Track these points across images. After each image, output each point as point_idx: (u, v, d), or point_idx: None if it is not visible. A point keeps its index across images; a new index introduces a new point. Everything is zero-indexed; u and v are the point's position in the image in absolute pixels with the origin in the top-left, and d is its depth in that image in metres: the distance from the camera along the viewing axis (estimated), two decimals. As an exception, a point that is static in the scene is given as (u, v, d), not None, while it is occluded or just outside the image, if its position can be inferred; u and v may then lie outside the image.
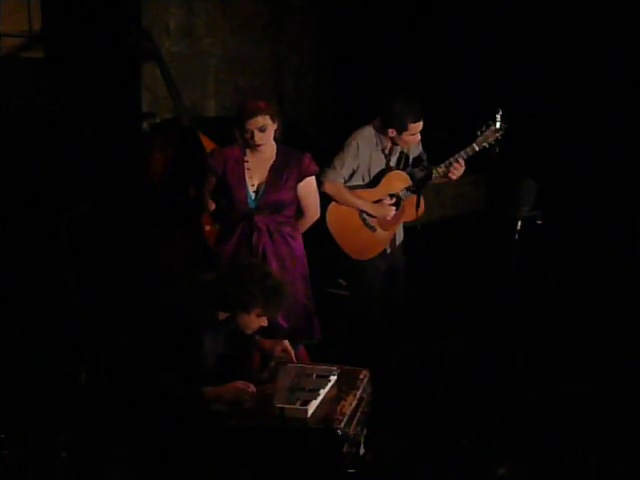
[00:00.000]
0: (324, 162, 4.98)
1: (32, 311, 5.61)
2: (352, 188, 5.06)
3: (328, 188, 5.00)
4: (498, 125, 4.97)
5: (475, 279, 6.29)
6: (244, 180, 4.57)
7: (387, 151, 5.08)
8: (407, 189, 5.08)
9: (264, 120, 4.47)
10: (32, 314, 5.60)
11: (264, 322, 3.86)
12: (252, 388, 3.80)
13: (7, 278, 5.64)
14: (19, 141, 5.93)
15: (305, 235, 4.83)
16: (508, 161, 5.10)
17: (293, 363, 4.15)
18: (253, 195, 4.59)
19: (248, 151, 4.59)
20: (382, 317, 5.17)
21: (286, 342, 4.17)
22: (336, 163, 5.01)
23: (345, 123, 6.50)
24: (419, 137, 5.02)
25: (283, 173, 4.60)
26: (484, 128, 5.00)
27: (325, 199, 5.02)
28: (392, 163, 5.13)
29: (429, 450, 4.59)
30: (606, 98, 6.43)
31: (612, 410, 4.89)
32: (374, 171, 5.08)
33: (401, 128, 4.95)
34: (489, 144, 5.00)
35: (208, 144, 5.60)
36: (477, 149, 5.00)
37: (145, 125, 6.21)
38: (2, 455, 4.49)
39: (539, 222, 5.13)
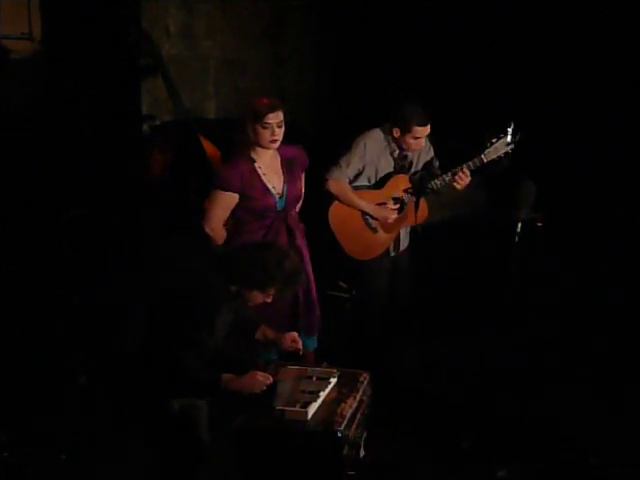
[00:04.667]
0: (327, 162, 5.00)
1: (32, 311, 5.61)
2: (357, 188, 5.07)
3: (332, 186, 5.02)
4: (509, 138, 4.96)
5: (475, 281, 6.29)
6: (267, 187, 4.56)
7: (396, 155, 5.09)
8: (405, 191, 5.09)
9: (281, 115, 4.47)
10: (32, 314, 5.60)
11: (269, 299, 3.87)
12: (270, 380, 3.79)
13: (7, 278, 5.64)
14: (19, 142, 5.92)
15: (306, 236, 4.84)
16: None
17: (300, 352, 4.15)
18: (277, 197, 4.59)
19: (254, 155, 4.56)
20: (385, 318, 5.18)
21: (294, 333, 4.15)
22: (342, 162, 5.03)
23: (345, 125, 6.51)
24: (423, 143, 5.02)
25: (294, 168, 4.63)
26: (495, 140, 4.99)
27: (328, 197, 5.04)
28: (401, 168, 5.14)
29: (429, 452, 4.61)
30: (606, 99, 6.43)
31: (612, 410, 4.90)
32: (381, 174, 5.09)
33: (405, 129, 4.96)
34: (498, 157, 4.99)
35: (208, 146, 5.61)
36: (485, 160, 5.00)
37: (145, 127, 6.20)
38: (2, 457, 4.50)
39: (539, 224, 5.14)
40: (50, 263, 5.61)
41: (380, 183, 5.10)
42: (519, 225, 5.09)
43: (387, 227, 5.14)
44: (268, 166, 4.58)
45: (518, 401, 4.93)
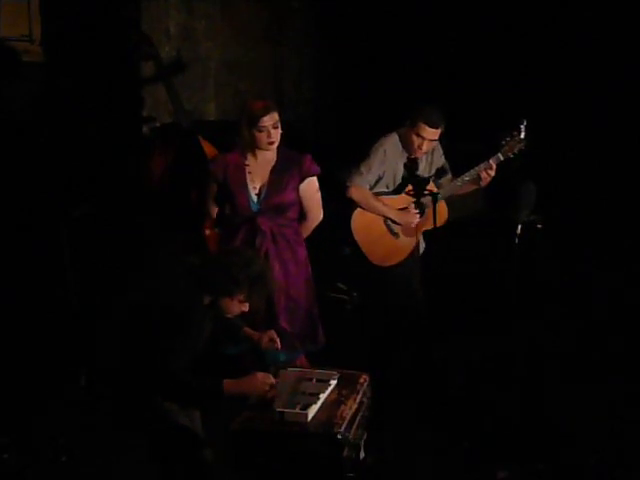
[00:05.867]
0: (329, 164, 5.01)
1: (32, 312, 5.61)
2: (377, 194, 5.09)
3: (354, 193, 5.04)
4: (522, 136, 4.99)
5: (475, 283, 6.29)
6: (245, 184, 4.57)
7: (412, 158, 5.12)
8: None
9: (276, 116, 4.47)
10: (32, 315, 5.60)
11: (245, 307, 3.86)
12: (271, 379, 3.79)
13: (7, 279, 5.64)
14: (20, 144, 5.93)
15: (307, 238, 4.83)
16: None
17: (278, 350, 4.14)
18: (255, 198, 4.59)
19: (249, 155, 4.59)
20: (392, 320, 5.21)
21: (272, 332, 4.14)
22: (362, 168, 5.04)
23: (346, 127, 6.52)
24: (424, 148, 5.02)
25: (284, 174, 4.60)
26: (508, 138, 5.01)
27: (349, 205, 5.06)
28: (417, 171, 5.16)
29: (429, 452, 4.61)
30: (606, 101, 6.44)
31: (613, 411, 4.90)
32: (399, 178, 5.11)
33: (412, 122, 4.98)
34: (513, 154, 5.02)
35: (208, 148, 5.61)
36: (502, 159, 5.03)
37: (145, 129, 6.21)
38: (2, 459, 4.50)
39: (539, 226, 5.15)
40: (50, 264, 5.61)
41: (399, 188, 5.12)
42: (519, 227, 5.10)
43: (408, 232, 5.15)
44: (258, 167, 4.59)
45: (518, 401, 4.94)
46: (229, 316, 3.91)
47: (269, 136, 4.47)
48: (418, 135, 4.98)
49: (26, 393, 5.09)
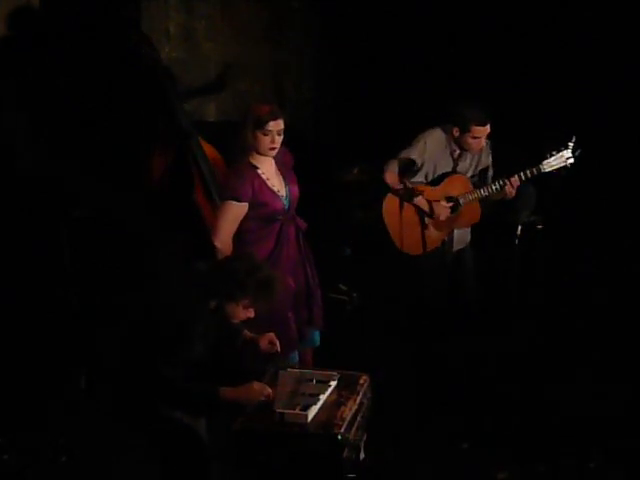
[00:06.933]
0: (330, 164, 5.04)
1: (32, 312, 5.61)
2: (413, 184, 5.14)
3: (388, 177, 5.11)
4: (569, 152, 5.04)
5: (475, 283, 6.29)
6: (272, 190, 4.55)
7: (456, 155, 5.15)
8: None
9: (282, 124, 4.48)
10: (32, 315, 5.60)
11: (251, 313, 3.87)
12: (268, 390, 3.79)
13: (7, 279, 5.64)
14: (20, 144, 5.92)
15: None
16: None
17: (277, 353, 4.13)
18: (283, 199, 4.59)
19: (256, 163, 4.55)
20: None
21: (272, 335, 4.13)
22: (400, 155, 5.10)
23: (346, 127, 6.51)
24: (483, 143, 5.10)
25: (287, 169, 4.65)
26: (555, 152, 5.06)
27: (383, 189, 5.15)
28: (459, 168, 5.20)
29: (429, 453, 4.61)
30: (606, 101, 6.44)
31: (613, 411, 4.90)
32: (439, 172, 5.17)
33: (464, 128, 5.05)
34: (557, 169, 5.07)
35: (208, 149, 5.61)
36: (543, 171, 5.07)
37: (145, 130, 6.20)
38: (2, 459, 4.51)
39: (539, 227, 5.17)
40: (50, 264, 5.61)
41: (436, 181, 5.17)
42: (519, 228, 5.12)
43: (438, 225, 5.19)
44: (269, 170, 4.58)
45: (518, 402, 4.94)
46: (234, 321, 3.91)
47: (272, 141, 4.46)
48: (474, 137, 5.06)
49: (26, 393, 5.09)
